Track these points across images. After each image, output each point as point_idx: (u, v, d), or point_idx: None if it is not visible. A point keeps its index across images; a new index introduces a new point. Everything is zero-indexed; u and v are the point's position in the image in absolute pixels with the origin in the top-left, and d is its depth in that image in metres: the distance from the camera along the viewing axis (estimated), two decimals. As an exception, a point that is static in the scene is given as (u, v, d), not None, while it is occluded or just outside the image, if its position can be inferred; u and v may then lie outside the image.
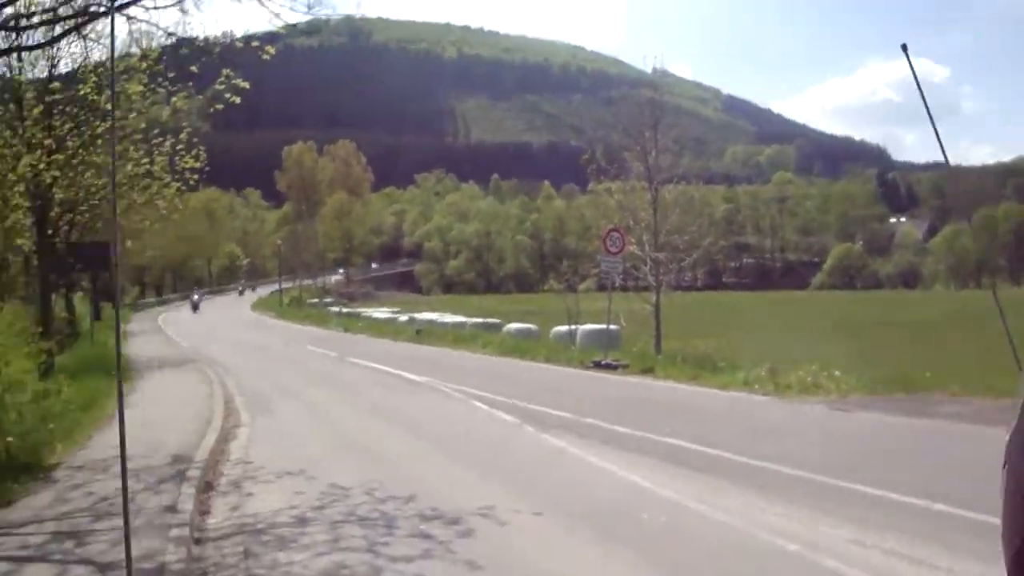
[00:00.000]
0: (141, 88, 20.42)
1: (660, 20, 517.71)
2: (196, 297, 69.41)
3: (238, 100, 13.61)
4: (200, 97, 18.27)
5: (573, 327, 26.72)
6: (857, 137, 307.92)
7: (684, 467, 9.59)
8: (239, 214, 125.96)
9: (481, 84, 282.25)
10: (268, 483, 9.49)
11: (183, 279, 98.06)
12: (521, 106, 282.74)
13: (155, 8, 11.22)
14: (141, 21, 11.95)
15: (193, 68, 14.36)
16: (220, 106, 14.58)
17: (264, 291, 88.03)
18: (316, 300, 71.60)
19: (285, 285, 79.84)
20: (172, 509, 7.85)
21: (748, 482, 8.72)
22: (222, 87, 13.40)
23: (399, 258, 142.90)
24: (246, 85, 13.39)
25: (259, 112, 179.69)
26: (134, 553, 6.50)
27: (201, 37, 12.42)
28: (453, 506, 8.00)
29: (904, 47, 2.35)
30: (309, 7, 11.29)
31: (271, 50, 13.14)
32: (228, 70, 13.42)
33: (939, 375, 15.18)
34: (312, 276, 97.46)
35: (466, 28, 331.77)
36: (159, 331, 42.54)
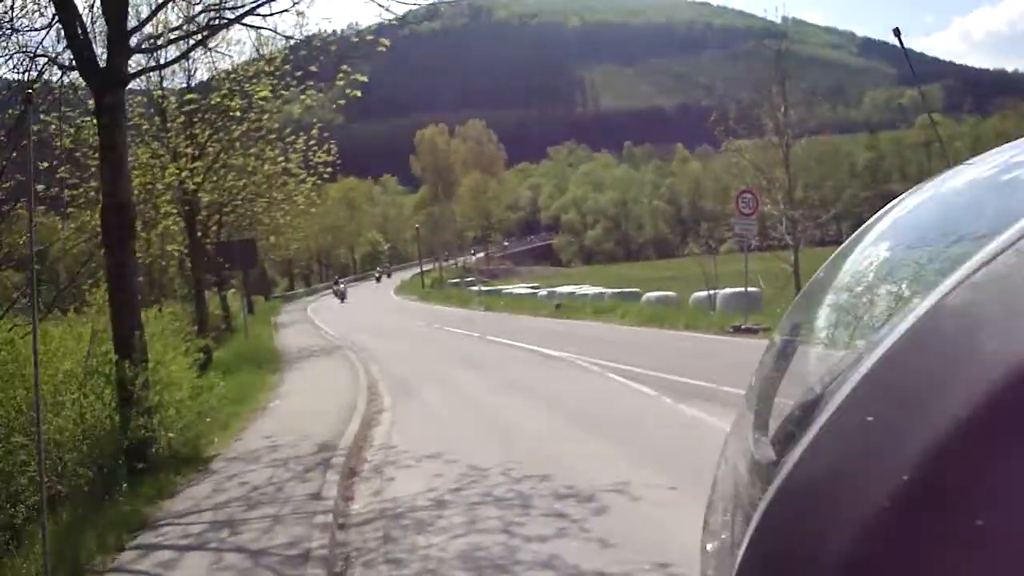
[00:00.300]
0: (269, 91, 21.08)
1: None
2: (342, 286, 66.13)
3: (359, 94, 13.89)
4: (322, 95, 18.68)
5: (712, 292, 26.28)
6: (1010, 68, 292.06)
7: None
8: (378, 201, 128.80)
9: (607, 51, 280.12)
10: (409, 467, 9.68)
11: (329, 268, 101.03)
12: (649, 70, 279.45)
13: (271, 15, 11.56)
14: (260, 28, 12.30)
15: (313, 68, 14.69)
16: (342, 102, 14.92)
17: (405, 275, 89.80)
18: (457, 280, 72.58)
19: (426, 267, 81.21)
20: (317, 496, 8.11)
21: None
22: (341, 83, 13.69)
23: (537, 232, 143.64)
24: (364, 79, 13.66)
25: (390, 99, 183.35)
26: (282, 540, 6.79)
27: (317, 36, 12.69)
28: (588, 483, 7.99)
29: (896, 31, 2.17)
30: None
31: (385, 42, 13.39)
32: (345, 66, 13.68)
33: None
34: (452, 256, 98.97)
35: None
36: (308, 320, 43.89)
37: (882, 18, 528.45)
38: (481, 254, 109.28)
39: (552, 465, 8.88)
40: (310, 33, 13.01)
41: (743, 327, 20.04)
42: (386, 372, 18.91)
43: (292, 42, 12.91)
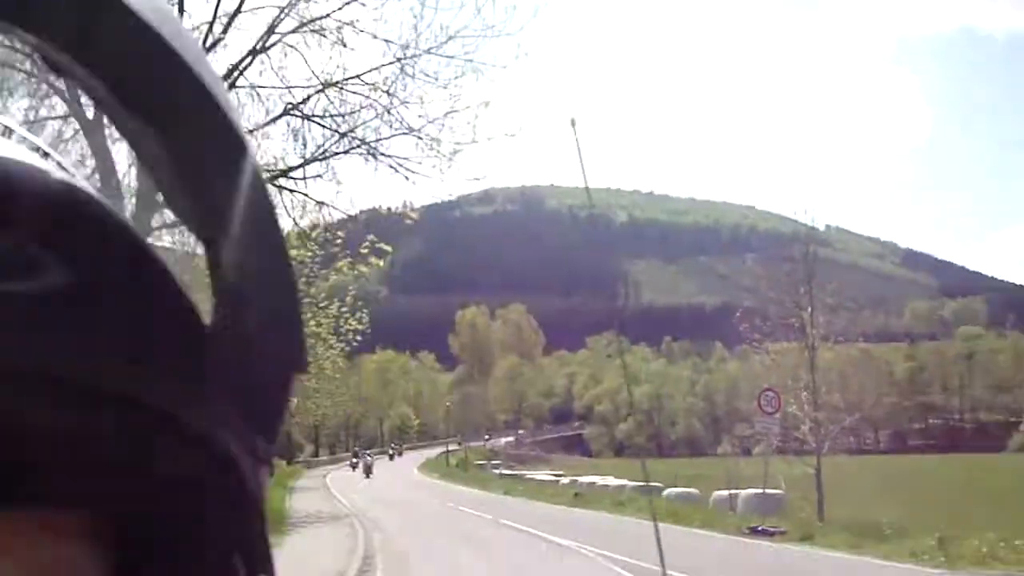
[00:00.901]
0: (308, 256, 21.54)
1: (832, 177, 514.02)
2: (369, 459, 60.84)
3: (381, 263, 14.09)
4: (366, 268, 18.92)
5: (733, 492, 25.67)
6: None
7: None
8: (413, 376, 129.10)
9: (652, 246, 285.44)
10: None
11: (358, 438, 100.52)
12: (693, 268, 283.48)
13: (303, 179, 11.89)
14: (293, 191, 12.62)
15: (340, 234, 14.92)
16: (365, 268, 15.10)
17: (432, 452, 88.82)
18: (484, 462, 71.69)
19: (453, 447, 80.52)
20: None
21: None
22: (366, 251, 13.89)
23: (570, 421, 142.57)
24: (388, 249, 13.88)
25: (436, 276, 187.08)
26: None
27: (344, 208, 12.95)
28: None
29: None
30: (441, 175, 11.68)
31: (413, 215, 13.70)
32: (372, 236, 13.95)
33: None
34: (482, 438, 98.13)
35: (636, 192, 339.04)
36: (324, 487, 43.45)
37: (923, 230, 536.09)
38: (511, 438, 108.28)
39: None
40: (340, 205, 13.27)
41: (759, 529, 19.41)
42: (387, 545, 18.46)
43: (320, 208, 13.11)
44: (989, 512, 24.70)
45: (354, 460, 64.70)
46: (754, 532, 19.43)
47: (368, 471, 54.67)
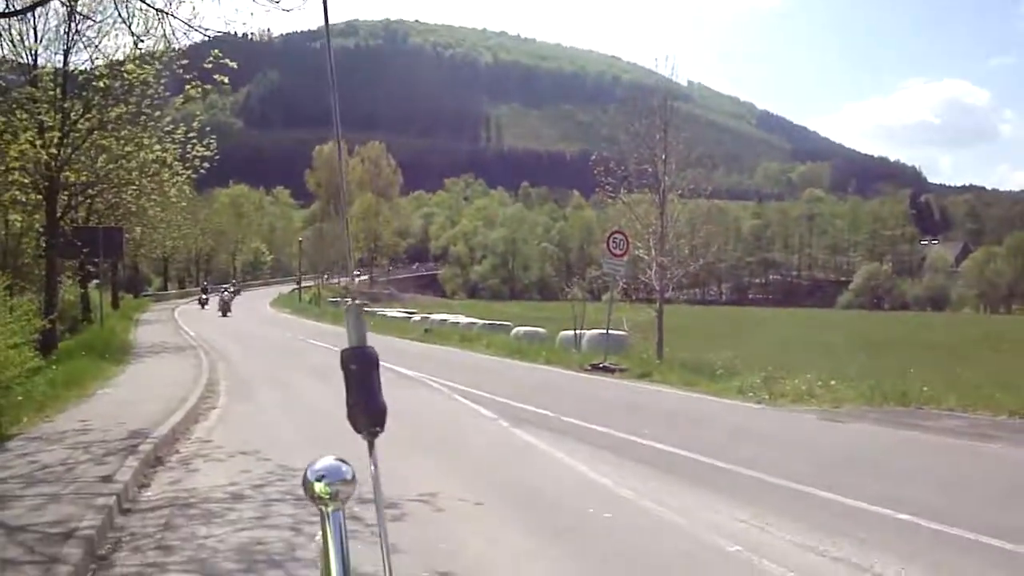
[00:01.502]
0: (152, 76, 20.46)
1: (697, 34, 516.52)
2: (228, 295, 53.39)
3: (226, 80, 13.40)
4: (219, 96, 17.94)
5: (579, 332, 26.39)
6: (892, 158, 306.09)
7: (651, 467, 9.27)
8: (268, 211, 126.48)
9: (516, 91, 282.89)
10: (218, 461, 9.32)
11: (209, 273, 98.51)
12: (555, 114, 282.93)
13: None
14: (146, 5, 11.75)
15: (209, 64, 13.99)
16: (208, 86, 14.38)
17: (284, 288, 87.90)
18: (337, 299, 71.55)
19: (307, 284, 79.90)
20: (108, 480, 7.64)
21: (712, 485, 8.40)
22: (210, 66, 13.15)
23: (425, 261, 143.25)
24: (234, 65, 13.17)
25: (293, 112, 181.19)
26: (49, 519, 6.31)
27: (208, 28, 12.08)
28: (396, 492, 7.72)
29: None
30: None
31: (264, 36, 13.00)
32: (217, 51, 13.16)
33: (940, 390, 14.75)
34: (335, 275, 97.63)
35: (503, 34, 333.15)
36: (172, 320, 42.64)
37: (782, 95, 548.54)
38: (365, 277, 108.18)
39: (366, 472, 8.56)
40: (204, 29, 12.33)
41: (601, 365, 20.11)
42: (232, 374, 18.39)
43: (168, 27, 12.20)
44: (811, 358, 26.26)
45: (203, 296, 62.14)
46: (595, 368, 20.12)
47: (225, 309, 48.74)
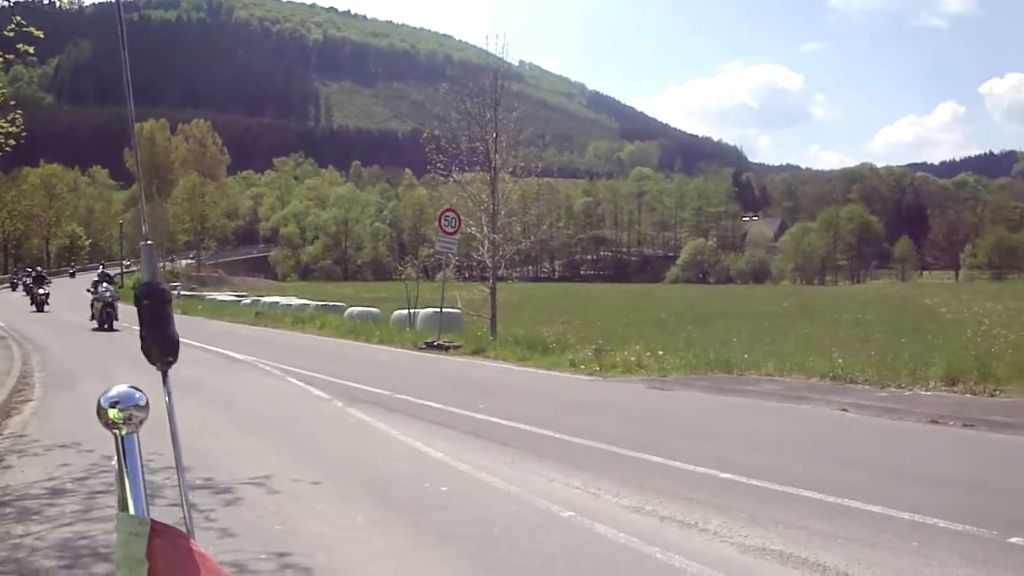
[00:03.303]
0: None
1: (527, 14, 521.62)
2: (44, 289, 41.54)
3: (31, 50, 12.59)
4: (27, 69, 16.81)
5: (412, 311, 26.39)
6: (716, 138, 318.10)
7: (485, 440, 9.36)
8: (84, 193, 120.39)
9: (346, 68, 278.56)
10: (35, 456, 8.80)
11: (20, 260, 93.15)
12: (386, 93, 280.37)
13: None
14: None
15: (10, 31, 12.98)
16: (11, 56, 13.44)
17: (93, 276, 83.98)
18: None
19: (129, 269, 76.65)
20: (-94, 481, 7.13)
21: (546, 455, 8.54)
22: (12, 35, 12.26)
23: (255, 243, 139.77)
24: (39, 33, 12.38)
25: (111, 87, 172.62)
26: None
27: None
28: (229, 476, 7.55)
29: None
30: None
31: (74, 4, 12.27)
32: (19, 17, 12.30)
33: (760, 357, 15.48)
34: (160, 259, 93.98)
35: (332, 10, 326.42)
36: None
37: (611, 75, 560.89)
38: (191, 260, 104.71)
39: (199, 459, 8.29)
40: None
41: (435, 343, 20.16)
42: (47, 365, 17.46)
43: None
44: (640, 330, 27.08)
45: (15, 280, 58.87)
46: (429, 347, 20.16)
47: (41, 304, 39.49)
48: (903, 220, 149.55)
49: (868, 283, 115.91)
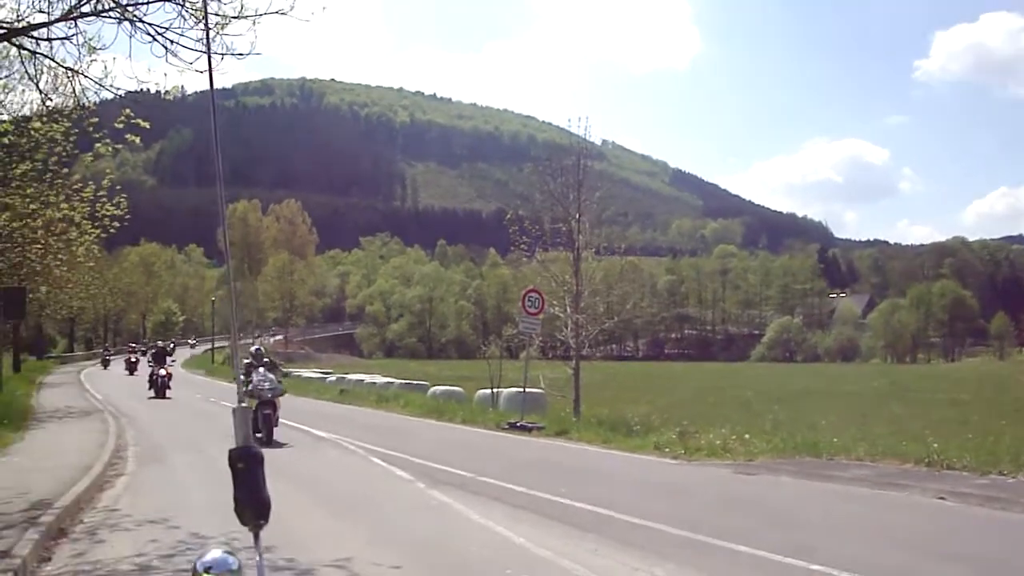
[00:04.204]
0: (61, 134, 20.02)
1: (610, 94, 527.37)
2: (149, 357, 38.80)
3: (138, 139, 13.15)
4: (129, 154, 17.54)
5: (495, 390, 26.42)
6: (800, 214, 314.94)
7: (568, 525, 9.24)
8: (180, 270, 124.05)
9: (431, 150, 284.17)
10: (126, 531, 8.97)
11: (119, 335, 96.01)
12: (471, 173, 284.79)
13: (48, 40, 10.78)
14: (38, 54, 11.48)
15: (120, 123, 13.63)
16: (119, 145, 14.09)
17: (193, 350, 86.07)
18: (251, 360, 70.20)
19: (221, 344, 78.39)
20: (5, 554, 7.31)
21: (629, 541, 8.41)
22: (121, 126, 12.89)
23: (341, 321, 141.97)
24: (146, 125, 12.92)
25: (206, 169, 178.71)
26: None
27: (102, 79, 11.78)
28: (310, 557, 7.58)
29: None
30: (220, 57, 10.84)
31: (175, 90, 12.80)
32: (128, 110, 12.91)
33: (850, 441, 15.08)
34: (250, 336, 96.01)
35: (419, 94, 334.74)
36: (77, 383, 41.32)
37: (693, 153, 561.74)
38: (280, 336, 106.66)
39: (280, 539, 8.33)
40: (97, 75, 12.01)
41: (518, 424, 20.08)
42: (141, 439, 17.88)
43: (78, 84, 11.87)
44: (726, 412, 26.65)
45: (106, 356, 60.10)
46: (512, 427, 20.09)
47: (162, 388, 32.62)
48: (999, 295, 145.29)
49: (963, 361, 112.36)
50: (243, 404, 2.12)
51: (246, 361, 18.64)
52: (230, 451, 2.07)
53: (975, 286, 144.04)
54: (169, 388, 32.37)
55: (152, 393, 32.24)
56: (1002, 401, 34.20)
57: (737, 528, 8.85)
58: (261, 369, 18.27)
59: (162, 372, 32.34)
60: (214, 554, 1.69)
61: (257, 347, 20.32)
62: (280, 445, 16.29)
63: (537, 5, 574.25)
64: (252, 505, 1.98)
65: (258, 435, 16.61)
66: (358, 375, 41.83)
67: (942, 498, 10.38)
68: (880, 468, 12.82)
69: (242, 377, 14.83)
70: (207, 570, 1.65)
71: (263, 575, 1.91)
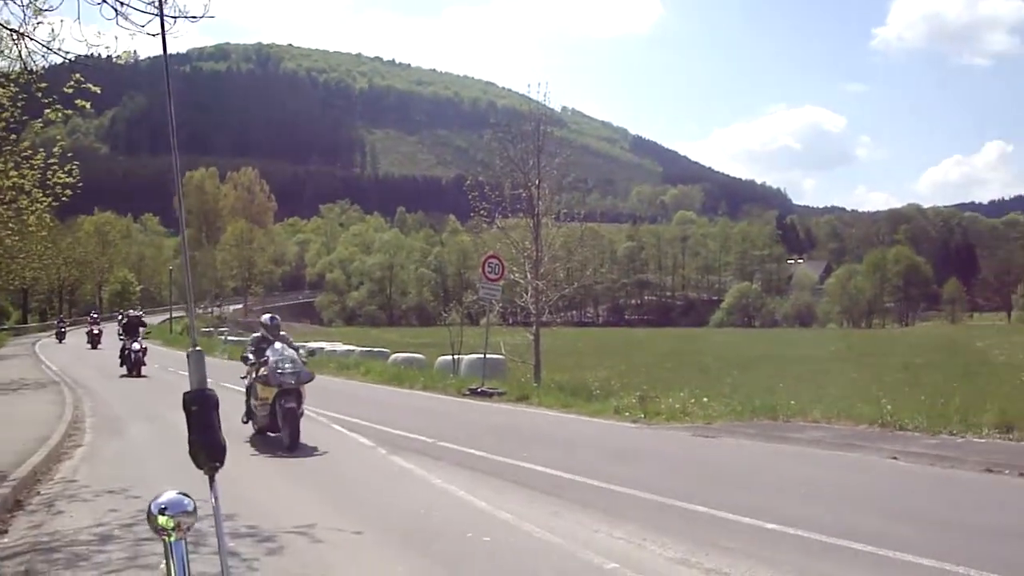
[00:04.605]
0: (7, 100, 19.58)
1: (570, 60, 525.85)
2: (120, 328, 33.75)
3: (88, 105, 12.89)
4: (58, 108, 17.11)
5: (456, 356, 26.45)
6: (759, 180, 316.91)
7: (529, 489, 9.32)
8: (136, 239, 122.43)
9: (390, 116, 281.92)
10: (85, 502, 8.90)
11: (73, 305, 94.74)
12: (431, 140, 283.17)
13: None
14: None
15: (70, 88, 13.32)
16: (69, 111, 13.81)
17: (152, 319, 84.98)
18: (210, 329, 69.78)
19: (179, 314, 77.65)
20: (-41, 528, 7.24)
21: (589, 504, 8.49)
22: (71, 91, 12.61)
23: (301, 289, 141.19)
24: (97, 89, 12.65)
25: (164, 137, 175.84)
26: None
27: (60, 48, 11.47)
28: (273, 524, 7.57)
29: None
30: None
31: (126, 55, 12.54)
32: (78, 74, 12.64)
33: (806, 403, 15.30)
34: (209, 305, 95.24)
35: (378, 59, 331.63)
36: (31, 355, 40.76)
37: (653, 120, 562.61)
38: (239, 305, 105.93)
39: (242, 505, 8.35)
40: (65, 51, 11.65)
41: (479, 390, 20.15)
42: (98, 410, 17.70)
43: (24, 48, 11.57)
44: (684, 375, 26.92)
45: (61, 329, 57.67)
46: (474, 393, 20.16)
47: (137, 365, 28.52)
48: (952, 261, 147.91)
49: (917, 326, 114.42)
50: (196, 348, 2.21)
51: (256, 335, 14.26)
52: (184, 394, 2.06)
53: (929, 252, 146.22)
54: (144, 365, 28.64)
55: (124, 370, 28.53)
56: (953, 364, 34.82)
57: (696, 490, 8.98)
58: (278, 345, 13.42)
59: (136, 346, 28.47)
60: (169, 495, 1.73)
61: (272, 316, 14.56)
62: (312, 451, 12.16)
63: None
64: (206, 447, 2.02)
65: (272, 434, 13.09)
66: (319, 343, 41.64)
67: (895, 458, 10.59)
68: (835, 430, 13.04)
69: (250, 356, 13.66)
70: (162, 511, 1.68)
71: (219, 517, 1.98)
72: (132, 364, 28.25)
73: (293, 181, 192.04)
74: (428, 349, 34.86)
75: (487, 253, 24.11)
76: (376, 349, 35.76)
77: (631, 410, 15.97)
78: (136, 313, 35.02)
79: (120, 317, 43.42)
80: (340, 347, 37.94)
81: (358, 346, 38.30)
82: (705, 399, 16.02)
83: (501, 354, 25.29)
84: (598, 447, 12.82)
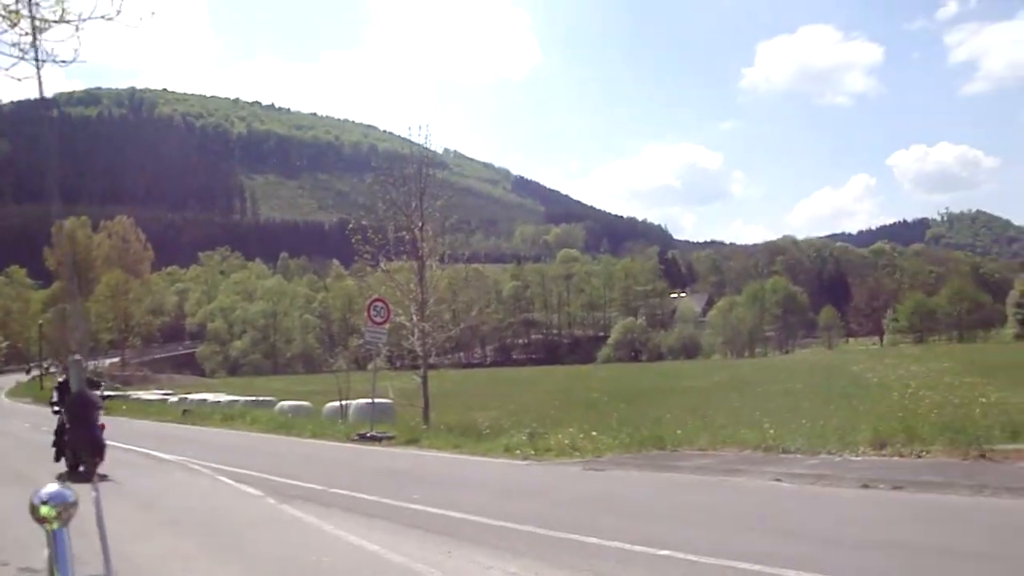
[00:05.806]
0: None
1: (449, 102, 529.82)
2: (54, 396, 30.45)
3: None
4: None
5: (344, 403, 26.21)
6: (640, 217, 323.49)
7: (421, 531, 9.28)
8: (2, 292, 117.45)
9: (270, 161, 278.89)
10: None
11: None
12: (312, 184, 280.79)
13: None
14: None
15: None
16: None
17: (20, 376, 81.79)
18: (84, 384, 67.10)
19: (50, 370, 74.76)
20: None
21: (483, 541, 8.51)
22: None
23: (181, 339, 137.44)
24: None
25: (29, 184, 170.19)
26: None
27: None
28: (153, 580, 7.36)
29: None
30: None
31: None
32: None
33: (692, 432, 15.66)
34: (84, 360, 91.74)
35: (256, 104, 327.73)
36: None
37: (534, 160, 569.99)
38: (116, 359, 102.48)
39: (125, 564, 8.02)
40: None
41: (368, 435, 20.00)
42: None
43: None
44: (573, 412, 27.18)
45: None
46: (363, 438, 19.99)
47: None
48: (826, 289, 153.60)
49: (796, 353, 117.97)
50: (77, 357, 2.54)
51: (60, 380, 16.28)
52: (68, 397, 2.34)
53: (804, 282, 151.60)
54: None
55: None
56: (830, 387, 36.08)
57: (587, 521, 9.08)
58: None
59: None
60: (51, 488, 1.84)
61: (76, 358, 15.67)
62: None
63: (373, 14, 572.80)
64: (88, 444, 2.21)
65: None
66: (201, 395, 40.68)
67: (779, 480, 10.93)
68: (721, 456, 13.39)
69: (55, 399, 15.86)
70: (44, 502, 1.77)
71: (101, 509, 2.05)
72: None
73: (170, 228, 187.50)
74: (315, 396, 34.40)
75: (372, 297, 24.01)
76: (262, 398, 35.16)
77: (521, 448, 16.07)
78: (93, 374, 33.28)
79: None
80: (224, 397, 37.16)
81: (242, 396, 37.55)
82: (594, 433, 16.24)
83: (389, 398, 25.19)
84: (489, 486, 12.86)
